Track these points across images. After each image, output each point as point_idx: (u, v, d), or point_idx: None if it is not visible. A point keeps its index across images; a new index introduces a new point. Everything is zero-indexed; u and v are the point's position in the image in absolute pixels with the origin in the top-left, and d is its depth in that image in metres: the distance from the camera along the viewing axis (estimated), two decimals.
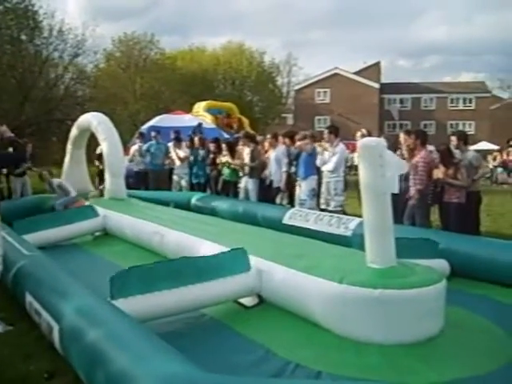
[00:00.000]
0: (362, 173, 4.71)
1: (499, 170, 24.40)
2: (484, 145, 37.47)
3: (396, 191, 4.93)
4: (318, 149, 9.77)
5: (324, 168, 9.28)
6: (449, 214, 7.81)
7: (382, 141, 4.89)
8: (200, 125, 18.06)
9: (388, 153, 4.81)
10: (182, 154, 12.72)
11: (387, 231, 4.72)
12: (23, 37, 31.59)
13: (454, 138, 8.20)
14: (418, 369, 4.06)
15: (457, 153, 8.05)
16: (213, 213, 10.02)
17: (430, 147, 11.45)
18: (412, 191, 7.90)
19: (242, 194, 11.07)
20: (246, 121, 24.05)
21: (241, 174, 11.06)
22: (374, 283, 4.45)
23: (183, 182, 12.69)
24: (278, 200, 10.37)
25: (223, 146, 11.77)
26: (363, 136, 9.40)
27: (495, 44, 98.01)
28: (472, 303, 5.55)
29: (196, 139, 12.84)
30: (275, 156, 10.38)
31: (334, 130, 9.53)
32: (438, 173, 7.88)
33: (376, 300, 4.38)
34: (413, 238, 6.16)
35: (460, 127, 51.58)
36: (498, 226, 10.62)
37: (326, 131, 9.58)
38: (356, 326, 4.49)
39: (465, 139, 8.27)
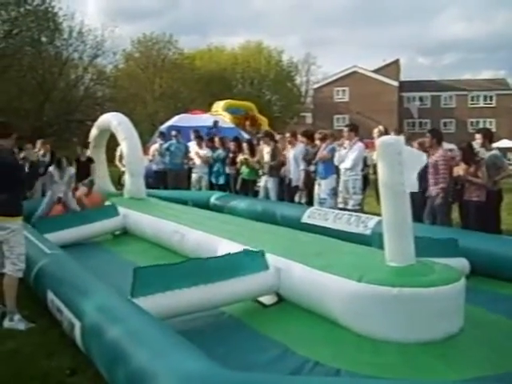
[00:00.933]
0: (381, 171, 4.71)
1: None
2: (505, 143, 37.06)
3: (416, 189, 4.94)
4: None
5: (342, 166, 9.26)
6: (469, 212, 7.78)
7: (401, 138, 4.88)
8: (216, 122, 18.11)
9: (406, 149, 4.80)
10: (202, 152, 12.79)
11: (406, 229, 4.71)
12: (43, 38, 32.00)
13: (479, 136, 8.11)
14: (437, 367, 4.05)
15: (481, 151, 7.97)
16: (232, 212, 10.06)
17: (451, 145, 11.38)
18: (434, 190, 7.86)
19: (261, 193, 11.09)
20: (264, 120, 24.07)
21: (260, 172, 11.09)
22: (392, 281, 4.45)
23: (203, 182, 12.75)
24: (296, 198, 10.36)
25: (244, 145, 11.83)
26: (380, 133, 9.39)
27: None
28: (492, 302, 5.52)
29: (216, 139, 12.93)
30: (294, 155, 10.39)
31: (354, 128, 9.51)
32: (459, 170, 7.83)
33: (395, 298, 4.37)
34: (433, 237, 6.14)
35: (481, 125, 51.13)
36: None
37: (345, 129, 9.55)
38: (375, 324, 4.49)
39: (490, 137, 8.20)
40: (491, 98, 55.48)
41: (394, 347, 4.32)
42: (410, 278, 4.52)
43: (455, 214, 8.45)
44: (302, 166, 10.16)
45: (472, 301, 4.95)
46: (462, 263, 6.12)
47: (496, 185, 7.79)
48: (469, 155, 7.83)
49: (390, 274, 4.61)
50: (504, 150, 21.62)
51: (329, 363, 4.08)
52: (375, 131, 10.07)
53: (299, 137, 10.80)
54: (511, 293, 5.88)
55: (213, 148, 12.84)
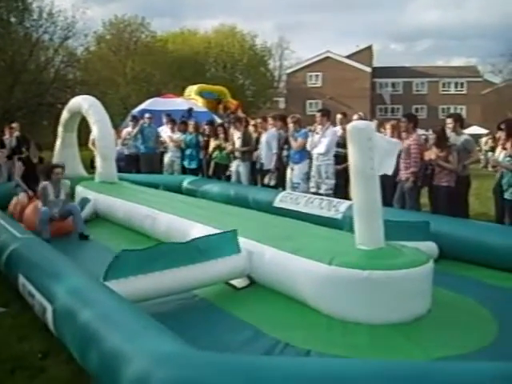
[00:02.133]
0: (351, 156, 4.77)
1: (490, 154, 24.56)
2: (475, 129, 37.55)
3: (390, 173, 5.05)
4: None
5: (315, 151, 9.31)
6: (438, 197, 7.89)
7: (371, 124, 4.94)
8: (190, 110, 18.04)
9: (379, 135, 4.86)
10: (175, 136, 12.76)
11: (376, 213, 4.79)
12: (12, 19, 31.29)
13: (450, 120, 8.18)
14: (405, 348, 4.15)
15: (452, 135, 8.06)
16: (204, 196, 10.07)
17: (421, 131, 11.49)
18: (404, 174, 7.97)
19: (233, 177, 11.13)
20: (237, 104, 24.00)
21: (231, 156, 11.11)
22: (362, 264, 4.54)
23: (175, 166, 12.71)
24: (265, 180, 10.39)
25: (219, 129, 11.83)
26: (360, 119, 9.49)
27: (487, 28, 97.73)
28: (459, 284, 5.65)
29: (190, 123, 12.90)
30: (266, 138, 10.41)
31: (326, 113, 9.57)
32: (431, 154, 7.94)
33: (364, 281, 4.46)
34: (402, 221, 6.25)
35: (451, 111, 51.68)
36: (487, 209, 10.70)
37: (318, 114, 9.60)
38: (345, 307, 4.57)
39: (461, 122, 8.31)
40: (462, 84, 56.07)
41: (364, 328, 4.42)
42: (379, 260, 4.61)
43: (424, 199, 8.58)
44: (275, 149, 10.20)
45: (440, 283, 5.08)
46: (430, 247, 6.24)
47: (465, 169, 7.91)
48: (442, 139, 7.92)
49: (359, 257, 4.69)
50: (474, 137, 21.98)
51: (299, 344, 4.14)
52: (355, 117, 10.15)
53: (269, 120, 10.82)
54: (478, 275, 6.02)
55: (185, 132, 12.80)
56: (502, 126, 7.35)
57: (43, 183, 8.00)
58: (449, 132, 8.12)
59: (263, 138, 10.52)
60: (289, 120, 10.09)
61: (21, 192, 9.15)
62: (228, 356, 3.13)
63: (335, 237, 5.58)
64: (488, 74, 55.83)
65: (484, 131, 34.81)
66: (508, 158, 6.99)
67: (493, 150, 24.25)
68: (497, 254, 6.16)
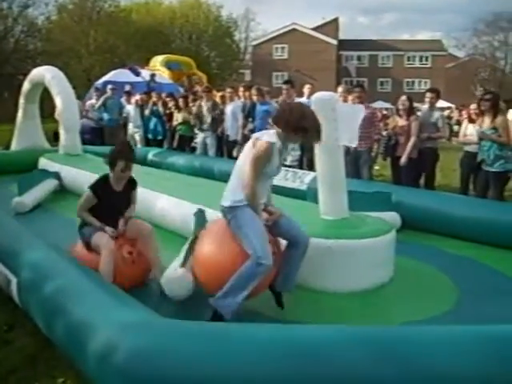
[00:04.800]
0: None
1: (455, 127, 24.92)
2: (439, 103, 38.00)
3: (354, 145, 5.10)
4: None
5: None
6: (401, 168, 7.96)
7: (335, 95, 4.97)
8: (153, 76, 17.85)
9: (341, 104, 4.90)
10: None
11: (340, 184, 4.86)
12: None
13: (431, 95, 8.17)
14: (369, 315, 4.27)
15: (422, 109, 8.09)
16: (170, 168, 10.03)
17: (386, 104, 11.53)
18: (363, 145, 7.92)
19: (199, 149, 11.07)
20: (203, 76, 23.84)
21: (196, 129, 11.02)
22: (326, 234, 4.61)
23: (137, 136, 12.54)
24: (234, 153, 10.37)
25: (180, 100, 11.72)
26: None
27: (452, 3, 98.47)
28: (421, 253, 5.79)
29: (153, 94, 12.73)
30: (231, 109, 10.35)
31: (293, 84, 9.50)
32: (393, 123, 8.05)
33: (329, 250, 4.54)
34: (366, 192, 6.34)
35: (416, 85, 52.39)
36: (449, 180, 10.92)
37: (284, 86, 9.49)
38: (309, 275, 4.63)
39: (438, 98, 8.38)
40: (427, 58, 56.47)
41: (329, 297, 4.51)
42: (343, 230, 4.69)
43: (385, 170, 8.69)
44: (241, 120, 10.13)
45: (403, 252, 5.20)
46: (393, 217, 6.36)
47: (430, 142, 7.95)
48: (412, 107, 7.99)
49: (324, 227, 4.76)
50: (439, 110, 22.21)
51: (266, 312, 4.22)
52: (340, 89, 10.09)
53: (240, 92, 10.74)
54: (439, 244, 6.17)
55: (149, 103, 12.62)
56: (487, 97, 7.24)
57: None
58: (425, 106, 8.20)
59: (228, 108, 10.45)
60: (253, 91, 9.98)
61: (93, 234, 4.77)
62: (194, 323, 3.15)
63: (300, 207, 5.63)
64: (452, 49, 56.53)
65: (448, 105, 35.21)
66: (492, 131, 7.02)
67: (458, 123, 24.65)
68: (458, 223, 6.31)
